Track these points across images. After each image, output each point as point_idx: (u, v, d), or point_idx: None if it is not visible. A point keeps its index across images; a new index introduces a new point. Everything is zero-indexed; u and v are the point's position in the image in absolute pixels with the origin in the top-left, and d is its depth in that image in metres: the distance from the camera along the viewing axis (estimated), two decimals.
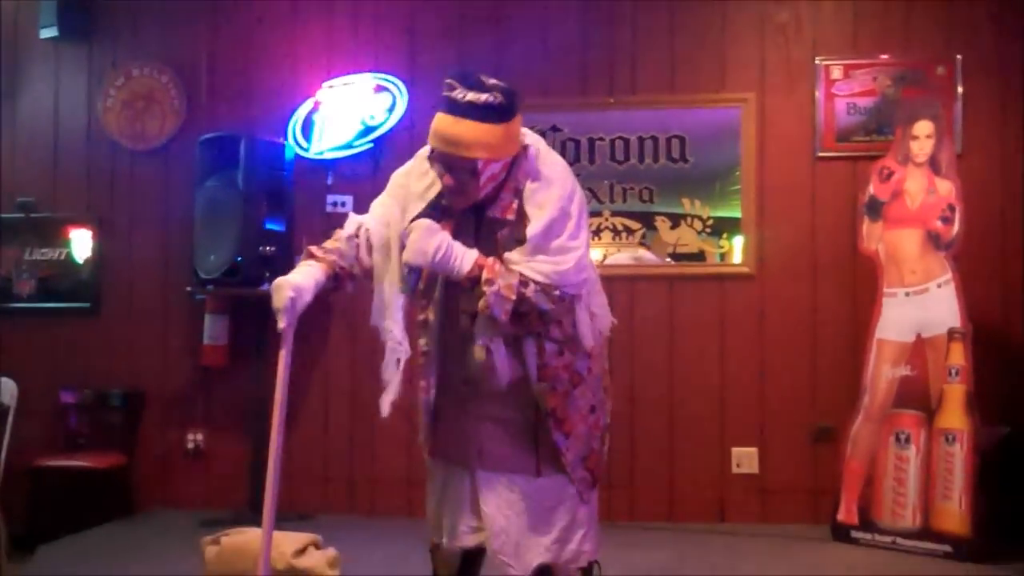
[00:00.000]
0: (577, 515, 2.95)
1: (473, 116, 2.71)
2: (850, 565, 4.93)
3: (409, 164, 3.03)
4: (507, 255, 2.76)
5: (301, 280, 2.85)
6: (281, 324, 2.83)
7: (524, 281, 2.70)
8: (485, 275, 2.71)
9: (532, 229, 2.74)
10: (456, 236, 2.81)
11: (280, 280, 2.84)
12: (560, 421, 2.87)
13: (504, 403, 2.90)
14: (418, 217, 2.83)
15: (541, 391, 2.84)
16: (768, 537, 5.42)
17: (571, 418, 2.89)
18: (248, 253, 5.73)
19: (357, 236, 3.01)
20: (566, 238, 2.75)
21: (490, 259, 2.76)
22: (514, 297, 2.68)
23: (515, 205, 2.81)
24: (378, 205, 3.03)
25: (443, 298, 2.91)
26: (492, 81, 2.75)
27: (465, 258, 2.74)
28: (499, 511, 2.90)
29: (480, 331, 2.80)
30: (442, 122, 2.75)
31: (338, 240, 3.01)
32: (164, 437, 6.29)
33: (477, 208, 2.85)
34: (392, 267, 2.93)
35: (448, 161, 2.77)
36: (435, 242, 2.73)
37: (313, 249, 2.99)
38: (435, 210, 2.85)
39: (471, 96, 2.71)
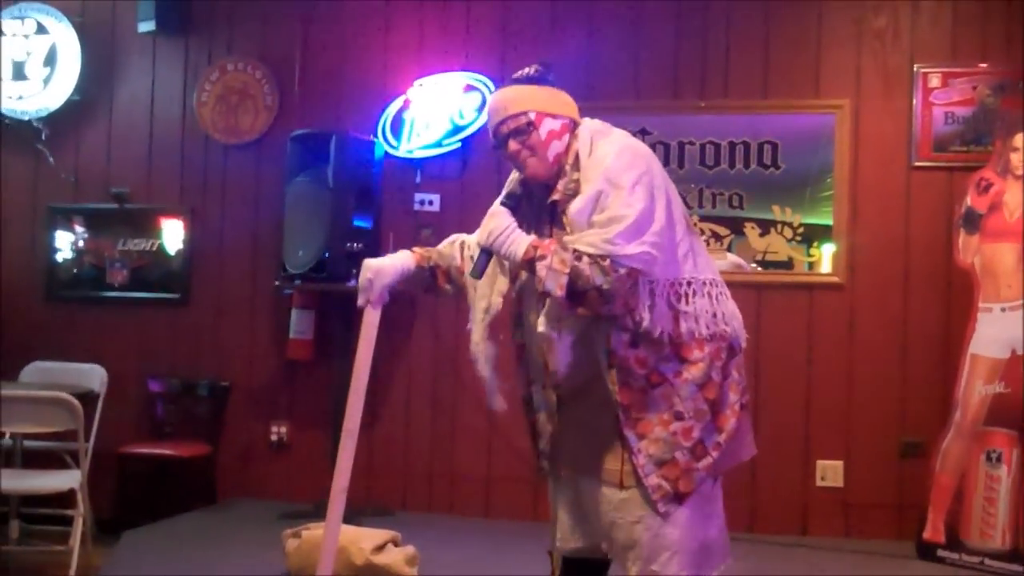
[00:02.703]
0: (661, 534, 2.76)
1: (516, 83, 2.91)
2: None
3: None
4: (565, 237, 2.73)
5: (386, 262, 3.01)
6: (360, 301, 2.98)
7: (578, 255, 2.61)
8: (539, 252, 2.67)
9: (575, 205, 2.72)
10: (533, 227, 2.86)
11: (366, 260, 3.02)
12: (635, 421, 2.73)
13: (589, 407, 2.84)
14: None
15: (611, 380, 2.72)
16: (851, 553, 5.31)
17: (647, 419, 2.73)
18: (335, 249, 5.74)
19: (456, 244, 3.14)
20: (618, 207, 2.65)
21: (545, 240, 2.75)
22: (567, 270, 2.59)
23: (576, 186, 2.78)
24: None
25: (532, 299, 2.87)
26: None
27: (519, 242, 2.74)
28: (596, 516, 2.86)
29: (546, 319, 2.74)
30: (491, 99, 2.97)
31: (442, 244, 3.16)
32: (248, 428, 6.37)
33: (550, 196, 2.85)
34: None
35: (507, 129, 2.85)
36: (493, 223, 2.78)
37: (416, 247, 3.13)
38: (511, 199, 2.89)
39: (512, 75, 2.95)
